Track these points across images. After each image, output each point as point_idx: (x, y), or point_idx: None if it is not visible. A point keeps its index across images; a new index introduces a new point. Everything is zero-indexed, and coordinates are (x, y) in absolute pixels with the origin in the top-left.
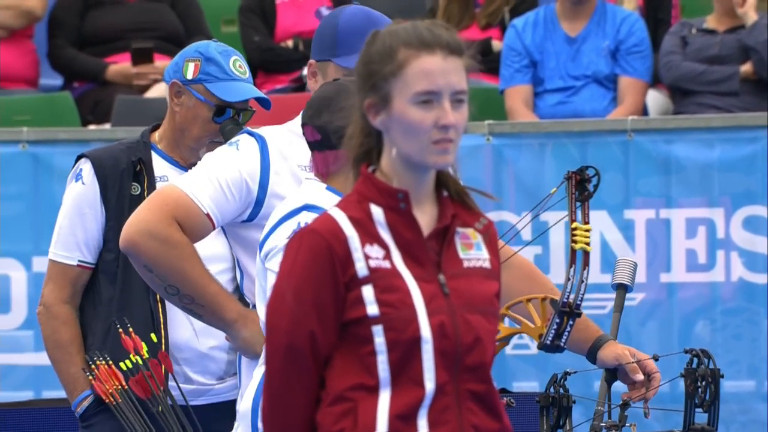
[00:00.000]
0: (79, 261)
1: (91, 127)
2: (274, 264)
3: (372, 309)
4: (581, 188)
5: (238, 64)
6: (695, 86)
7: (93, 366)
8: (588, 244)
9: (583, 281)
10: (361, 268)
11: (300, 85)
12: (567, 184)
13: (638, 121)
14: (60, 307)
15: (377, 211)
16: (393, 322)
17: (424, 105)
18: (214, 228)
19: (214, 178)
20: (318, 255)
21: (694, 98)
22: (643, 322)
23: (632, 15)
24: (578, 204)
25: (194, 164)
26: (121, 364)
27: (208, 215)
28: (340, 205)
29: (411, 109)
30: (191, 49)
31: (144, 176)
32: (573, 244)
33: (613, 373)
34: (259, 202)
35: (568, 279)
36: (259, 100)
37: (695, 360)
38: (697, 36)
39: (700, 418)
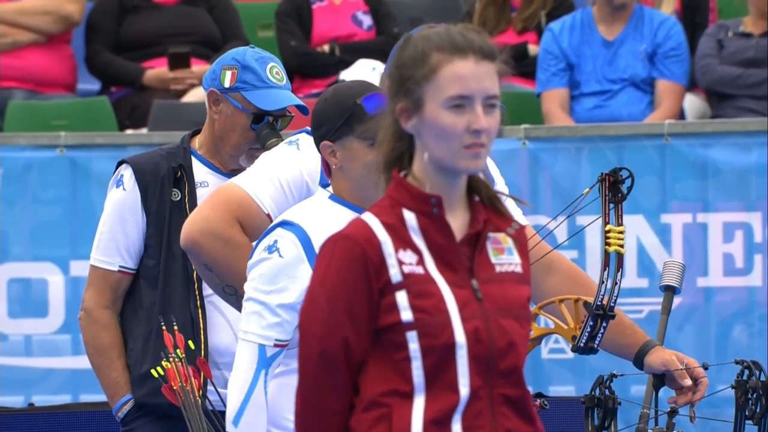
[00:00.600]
0: (120, 267)
1: (129, 131)
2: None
3: (406, 315)
4: (615, 190)
5: (275, 71)
6: (731, 90)
7: (165, 363)
8: (622, 246)
9: (616, 283)
10: (395, 274)
11: None
12: (600, 186)
13: (675, 125)
14: (100, 312)
15: (410, 216)
16: (427, 327)
17: (456, 109)
18: None
19: (275, 177)
20: (352, 260)
21: (732, 102)
22: (680, 326)
23: (669, 19)
24: (612, 206)
25: (235, 170)
26: (158, 369)
27: (268, 215)
28: (373, 210)
29: (443, 114)
30: (228, 57)
31: (184, 182)
32: (606, 247)
33: (661, 379)
34: None
35: (602, 282)
36: (296, 106)
37: (746, 372)
38: (732, 39)
39: (749, 429)
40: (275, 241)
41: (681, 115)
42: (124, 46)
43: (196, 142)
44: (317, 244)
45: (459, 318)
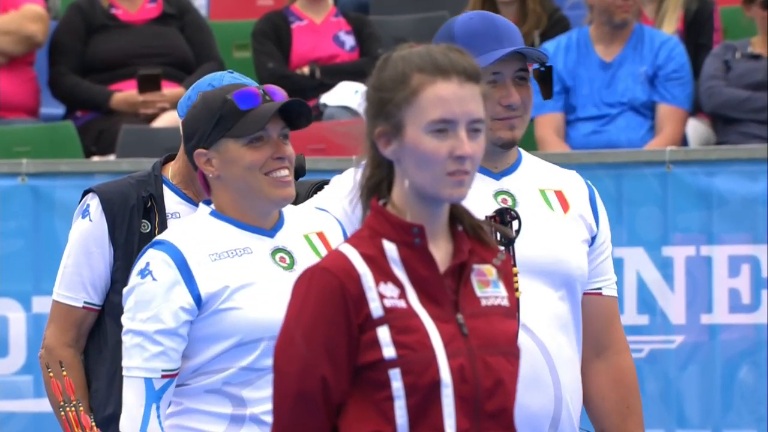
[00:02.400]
0: (85, 303)
1: (95, 158)
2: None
3: (389, 351)
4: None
5: None
6: (738, 114)
7: (62, 413)
8: (516, 289)
9: None
10: (375, 308)
11: (317, 114)
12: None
13: (677, 152)
14: (63, 351)
15: (390, 248)
16: (411, 364)
17: (438, 134)
18: None
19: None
20: (329, 295)
21: (737, 127)
22: (684, 366)
23: (672, 39)
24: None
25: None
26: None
27: None
28: (351, 241)
29: (425, 139)
30: (204, 82)
31: (155, 213)
32: None
33: None
34: None
35: None
36: None
37: None
38: (740, 61)
39: None
40: (147, 264)
41: (683, 141)
42: (90, 68)
43: (169, 171)
44: (193, 262)
45: (444, 354)
